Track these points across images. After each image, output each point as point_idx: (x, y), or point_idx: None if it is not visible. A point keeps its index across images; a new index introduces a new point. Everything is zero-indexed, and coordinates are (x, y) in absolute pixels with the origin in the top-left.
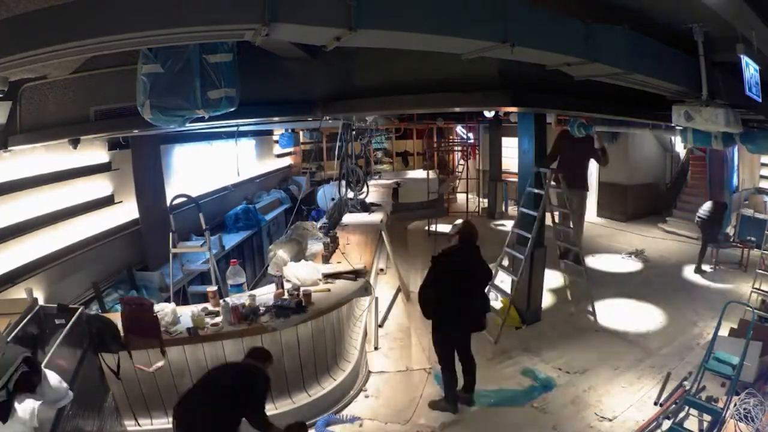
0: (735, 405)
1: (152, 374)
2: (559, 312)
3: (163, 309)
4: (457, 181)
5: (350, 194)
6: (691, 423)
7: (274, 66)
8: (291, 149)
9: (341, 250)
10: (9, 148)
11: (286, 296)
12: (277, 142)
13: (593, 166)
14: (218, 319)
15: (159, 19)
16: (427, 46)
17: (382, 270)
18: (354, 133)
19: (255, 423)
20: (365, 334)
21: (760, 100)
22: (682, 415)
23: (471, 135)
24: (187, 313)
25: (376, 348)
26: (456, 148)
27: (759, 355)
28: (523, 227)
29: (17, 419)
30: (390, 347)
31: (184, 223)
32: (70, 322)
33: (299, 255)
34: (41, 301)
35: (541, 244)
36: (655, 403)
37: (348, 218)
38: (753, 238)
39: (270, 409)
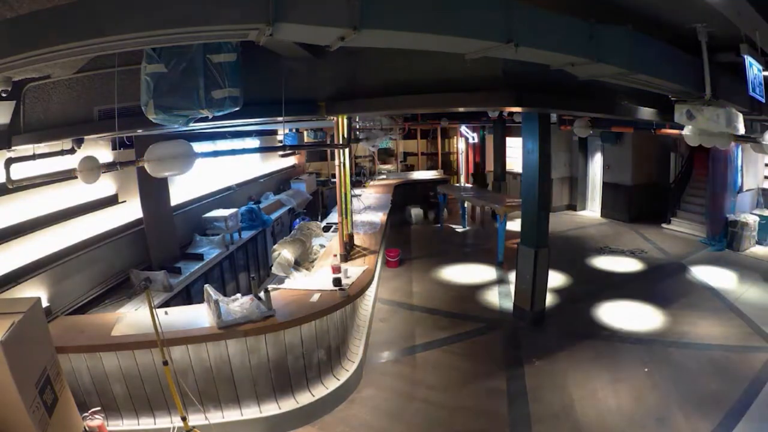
0: None
1: (156, 373)
2: (562, 313)
3: None
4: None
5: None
6: None
7: (278, 66)
8: None
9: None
10: (12, 148)
11: None
12: (281, 141)
13: (597, 167)
14: None
15: (162, 19)
16: (431, 46)
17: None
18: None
19: None
20: (368, 334)
21: (763, 100)
22: None
23: (475, 136)
24: None
25: None
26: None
27: None
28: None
29: None
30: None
31: (186, 223)
32: None
33: (304, 254)
34: (44, 301)
35: (545, 245)
36: None
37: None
38: None
39: (273, 410)
